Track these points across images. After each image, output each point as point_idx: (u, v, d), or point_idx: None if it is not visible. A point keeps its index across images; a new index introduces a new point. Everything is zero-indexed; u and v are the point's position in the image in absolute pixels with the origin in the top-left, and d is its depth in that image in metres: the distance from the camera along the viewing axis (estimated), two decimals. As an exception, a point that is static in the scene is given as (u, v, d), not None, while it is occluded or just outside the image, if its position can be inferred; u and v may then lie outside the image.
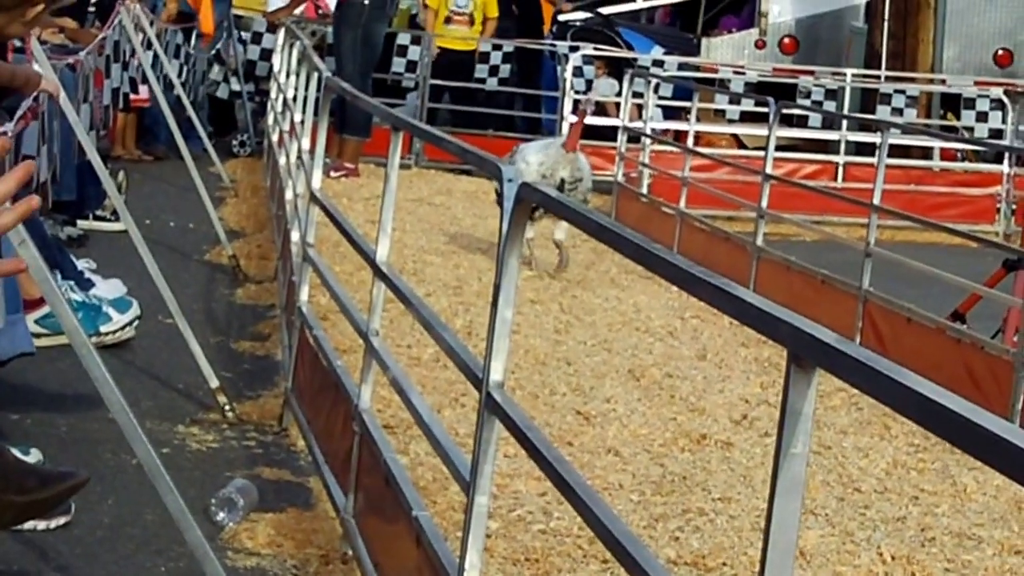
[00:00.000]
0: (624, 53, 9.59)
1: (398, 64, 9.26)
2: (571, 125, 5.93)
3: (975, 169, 9.24)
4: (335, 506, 2.91)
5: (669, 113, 9.48)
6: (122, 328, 3.97)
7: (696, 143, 7.87)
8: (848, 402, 4.12)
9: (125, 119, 7.76)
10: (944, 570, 2.96)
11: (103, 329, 3.89)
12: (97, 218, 5.71)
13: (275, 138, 6.61)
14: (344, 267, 5.14)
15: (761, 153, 6.44)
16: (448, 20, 9.24)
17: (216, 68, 8.83)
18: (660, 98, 8.97)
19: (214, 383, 3.63)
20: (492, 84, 9.46)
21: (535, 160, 5.57)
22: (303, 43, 5.52)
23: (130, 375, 3.78)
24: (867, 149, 8.92)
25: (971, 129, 9.44)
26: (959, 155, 9.54)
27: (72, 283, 3.84)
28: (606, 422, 3.71)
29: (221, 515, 2.90)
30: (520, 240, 1.98)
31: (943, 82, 9.78)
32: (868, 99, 9.65)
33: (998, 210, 8.68)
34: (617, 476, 3.30)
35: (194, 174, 5.61)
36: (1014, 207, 8.36)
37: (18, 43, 3.49)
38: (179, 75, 7.13)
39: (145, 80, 5.88)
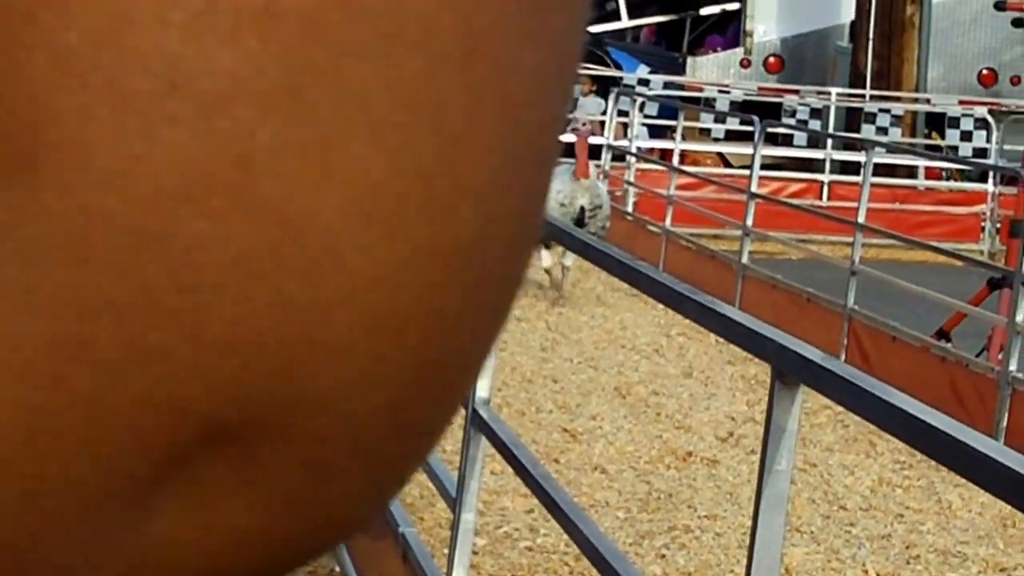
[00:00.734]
0: (610, 72, 9.65)
1: None
2: (576, 151, 5.81)
3: (960, 188, 9.30)
4: (322, 523, 2.92)
5: (654, 132, 9.53)
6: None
7: (682, 161, 7.91)
8: (834, 420, 4.14)
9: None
10: (929, 587, 2.98)
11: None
12: None
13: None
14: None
15: (746, 172, 6.48)
16: None
17: None
18: (645, 117, 9.03)
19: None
20: None
21: (553, 189, 5.58)
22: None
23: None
24: (852, 168, 8.98)
25: (955, 148, 9.51)
26: (944, 174, 9.60)
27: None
28: (592, 439, 3.73)
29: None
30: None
31: (928, 101, 9.85)
32: (853, 118, 9.72)
33: (982, 229, 8.74)
34: (603, 493, 3.31)
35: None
36: (998, 226, 8.40)
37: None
38: None
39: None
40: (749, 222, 5.85)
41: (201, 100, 0.15)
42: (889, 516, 3.37)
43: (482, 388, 1.98)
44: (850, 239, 5.31)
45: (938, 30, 9.83)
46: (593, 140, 8.87)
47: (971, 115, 9.51)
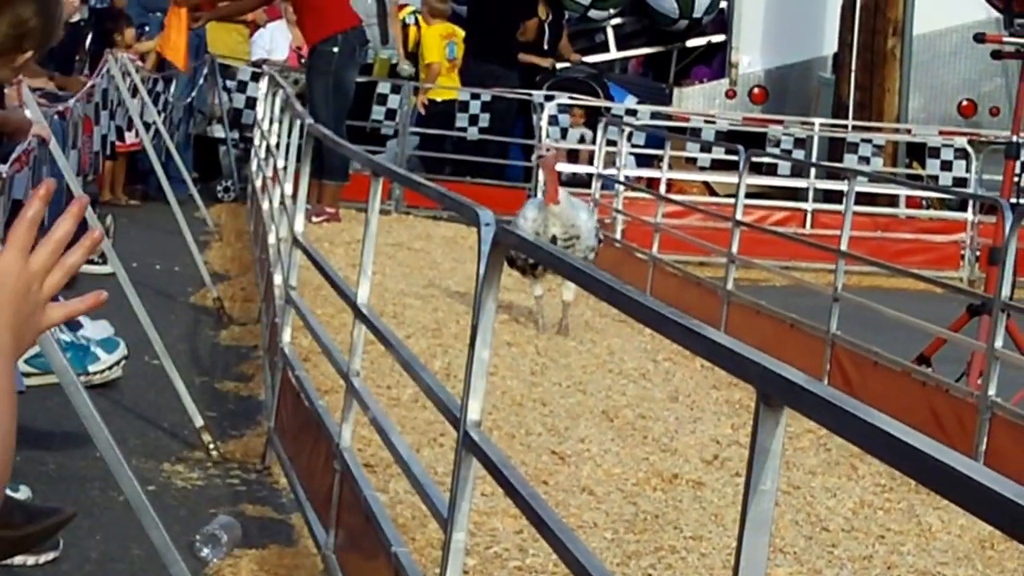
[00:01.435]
0: (598, 102, 9.75)
1: (378, 112, 9.44)
2: (545, 177, 5.66)
3: (940, 216, 9.41)
4: (316, 542, 2.97)
5: (642, 160, 9.62)
6: (109, 368, 4.02)
7: (668, 190, 7.98)
8: (816, 443, 4.21)
9: (113, 165, 7.85)
10: (908, 605, 3.04)
11: (91, 369, 3.94)
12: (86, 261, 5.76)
13: (258, 184, 6.69)
14: (326, 310, 5.21)
15: (731, 200, 6.56)
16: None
17: (199, 116, 8.95)
18: (633, 146, 9.12)
19: (199, 422, 3.68)
20: (473, 133, 9.65)
21: (531, 216, 5.38)
22: (286, 91, 5.62)
23: (117, 414, 3.82)
24: (835, 196, 9.08)
25: (936, 177, 9.63)
26: (924, 203, 9.72)
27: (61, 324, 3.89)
28: (580, 462, 3.77)
29: (205, 551, 2.95)
30: (496, 283, 2.05)
31: (909, 132, 9.97)
32: (836, 148, 9.83)
33: (962, 256, 8.83)
34: (591, 514, 3.35)
35: (180, 218, 5.68)
36: (978, 253, 8.52)
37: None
38: (163, 122, 7.24)
39: (131, 127, 5.98)
40: (734, 249, 5.93)
41: None
42: (871, 537, 3.42)
43: (474, 411, 2.02)
44: (833, 266, 5.40)
45: (919, 62, 9.97)
46: (582, 168, 9.01)
47: (951, 145, 9.64)
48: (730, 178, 8.37)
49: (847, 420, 1.06)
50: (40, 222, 1.01)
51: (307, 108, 7.69)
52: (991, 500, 0.88)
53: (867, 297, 5.50)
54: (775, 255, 7.44)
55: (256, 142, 7.48)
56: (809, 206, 9.16)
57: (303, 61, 8.63)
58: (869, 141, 9.68)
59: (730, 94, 10.40)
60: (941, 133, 9.78)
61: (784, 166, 9.48)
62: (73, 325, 4.03)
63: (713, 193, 9.69)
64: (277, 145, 5.59)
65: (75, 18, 8.09)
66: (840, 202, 7.85)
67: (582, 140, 9.36)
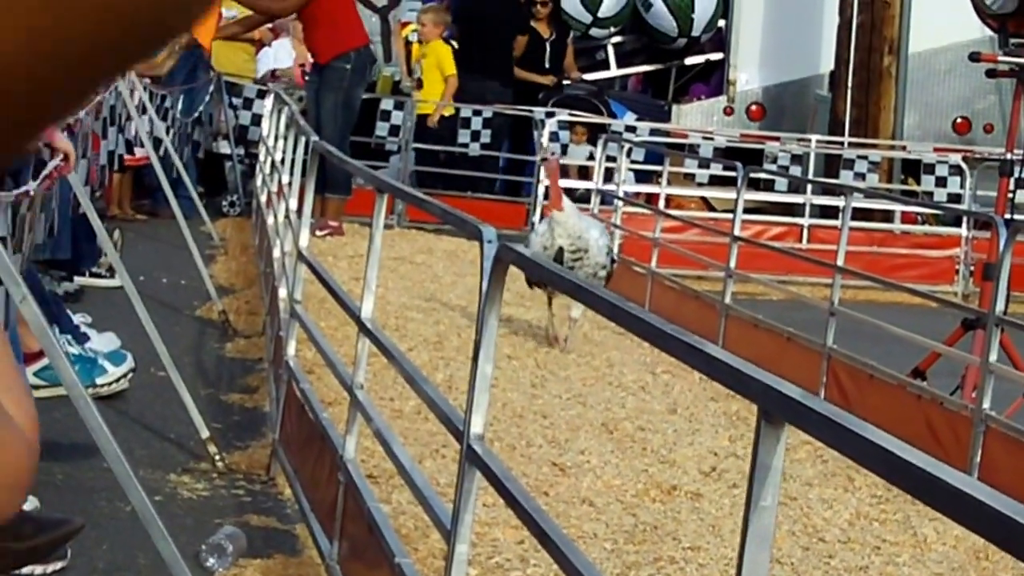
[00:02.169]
0: (599, 119, 9.82)
1: (381, 128, 9.53)
2: (549, 183, 5.57)
3: (935, 232, 9.46)
4: (320, 552, 3.01)
5: (641, 176, 9.67)
6: (117, 380, 4.06)
7: (667, 205, 8.03)
8: (813, 455, 4.24)
9: (120, 179, 7.90)
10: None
11: (99, 381, 3.98)
12: (93, 275, 5.82)
13: (263, 198, 6.74)
14: (329, 323, 5.24)
15: (729, 215, 6.60)
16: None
17: (198, 130, 9.01)
18: (632, 162, 9.16)
19: (204, 433, 3.72)
20: (475, 149, 9.73)
21: (540, 230, 5.31)
22: (291, 108, 5.68)
23: (124, 425, 3.85)
24: (831, 212, 9.12)
25: (931, 193, 9.68)
26: (919, 218, 9.77)
27: (69, 337, 3.93)
28: (580, 473, 3.80)
29: (211, 561, 2.98)
30: (499, 299, 2.09)
31: (904, 148, 10.03)
32: (832, 164, 9.88)
33: (957, 271, 8.88)
34: (591, 525, 3.38)
35: (186, 233, 5.72)
36: (972, 269, 8.56)
37: None
38: (170, 138, 7.31)
39: (140, 143, 6.03)
40: (732, 264, 5.98)
41: None
42: (866, 548, 3.46)
43: (477, 424, 2.06)
44: (829, 281, 5.44)
45: (914, 80, 10.04)
46: (582, 184, 9.05)
47: (946, 162, 9.70)
48: (728, 194, 8.42)
49: (846, 436, 1.08)
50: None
51: (310, 123, 7.77)
52: (985, 514, 0.91)
53: (863, 311, 5.55)
54: (772, 270, 7.48)
55: (261, 158, 7.54)
56: (806, 221, 9.20)
57: (307, 78, 8.69)
58: (865, 158, 9.74)
59: (728, 111, 10.47)
60: (936, 150, 9.84)
61: (781, 182, 9.54)
62: (81, 337, 4.07)
63: (711, 208, 9.74)
64: (282, 161, 5.65)
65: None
66: (836, 217, 7.91)
67: (591, 158, 9.41)
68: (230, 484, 3.58)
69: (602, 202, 8.07)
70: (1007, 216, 5.01)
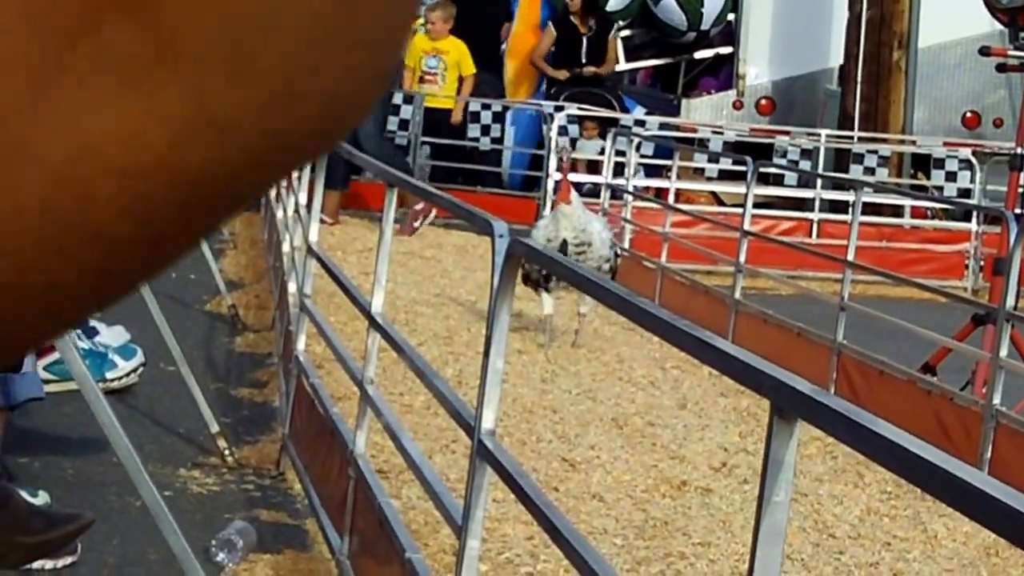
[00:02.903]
0: (608, 113, 9.81)
1: (391, 122, 9.55)
2: (557, 181, 5.78)
3: (944, 227, 9.45)
4: (331, 548, 3.01)
5: (650, 171, 9.67)
6: (127, 375, 4.07)
7: (676, 200, 8.03)
8: (823, 451, 4.24)
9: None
10: (914, 611, 3.07)
11: (109, 376, 3.99)
12: None
13: (272, 193, 6.75)
14: (339, 317, 5.25)
15: (739, 210, 6.60)
16: (421, 79, 9.58)
17: None
18: (642, 156, 9.17)
19: (214, 428, 3.73)
20: (486, 143, 9.73)
21: (542, 223, 5.33)
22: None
23: (134, 420, 3.86)
24: (841, 207, 9.12)
25: (940, 188, 9.67)
26: (929, 213, 9.75)
27: (79, 331, 3.95)
28: (590, 468, 3.81)
29: (221, 556, 2.99)
30: (510, 294, 2.09)
31: (913, 143, 10.01)
32: (842, 159, 9.87)
33: (966, 266, 8.86)
34: (601, 521, 3.38)
35: (194, 227, 5.72)
36: (982, 263, 8.55)
37: None
38: None
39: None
40: (742, 259, 5.97)
41: None
42: (877, 544, 3.46)
43: (487, 420, 2.06)
44: (839, 276, 5.44)
45: (924, 74, 10.01)
46: (591, 179, 9.05)
47: (956, 156, 9.69)
48: (738, 188, 8.42)
49: (858, 432, 1.08)
50: None
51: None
52: (996, 510, 0.91)
53: (873, 306, 5.54)
54: (782, 264, 7.48)
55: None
56: (815, 216, 9.20)
57: None
58: (875, 152, 9.72)
59: (737, 105, 10.45)
60: (946, 144, 9.82)
61: (791, 177, 9.52)
62: (90, 331, 4.08)
63: (721, 203, 9.73)
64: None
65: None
66: (846, 212, 7.90)
67: (602, 152, 9.41)
68: (240, 479, 3.59)
69: (612, 196, 8.08)
70: (1017, 211, 5.00)
